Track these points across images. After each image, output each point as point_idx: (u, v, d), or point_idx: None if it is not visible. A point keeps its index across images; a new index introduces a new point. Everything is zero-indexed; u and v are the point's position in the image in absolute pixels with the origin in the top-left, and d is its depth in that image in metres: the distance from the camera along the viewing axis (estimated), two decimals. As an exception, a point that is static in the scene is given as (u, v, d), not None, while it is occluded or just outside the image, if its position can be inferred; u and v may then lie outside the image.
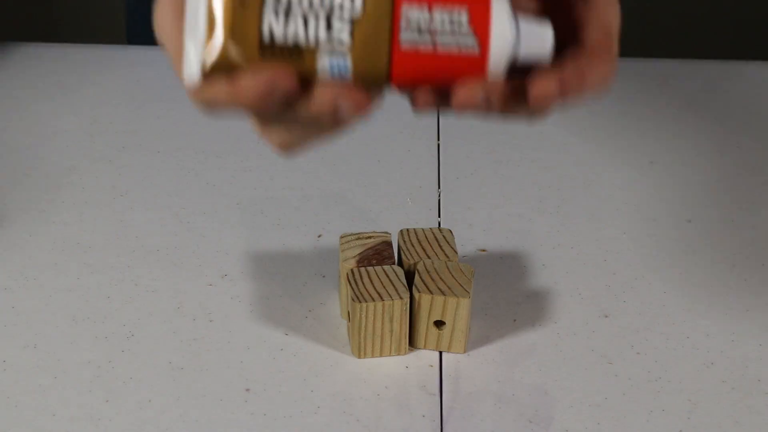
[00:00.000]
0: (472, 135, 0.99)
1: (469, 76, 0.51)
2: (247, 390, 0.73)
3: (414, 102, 0.52)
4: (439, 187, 0.92)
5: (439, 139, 0.98)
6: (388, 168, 0.93)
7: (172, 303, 0.80)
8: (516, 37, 0.51)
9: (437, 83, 0.51)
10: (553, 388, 0.74)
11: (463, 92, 0.51)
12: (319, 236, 0.87)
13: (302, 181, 0.93)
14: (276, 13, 0.49)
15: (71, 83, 1.05)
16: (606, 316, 0.80)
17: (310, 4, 0.50)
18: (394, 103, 1.01)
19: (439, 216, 0.89)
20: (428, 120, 1.00)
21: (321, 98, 0.50)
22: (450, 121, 0.99)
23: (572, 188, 0.93)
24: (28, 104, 1.02)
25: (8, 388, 0.73)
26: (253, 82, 0.49)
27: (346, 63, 0.50)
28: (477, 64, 0.51)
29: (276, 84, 0.49)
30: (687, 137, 1.00)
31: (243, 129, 1.00)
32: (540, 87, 0.51)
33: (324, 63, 0.50)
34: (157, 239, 0.86)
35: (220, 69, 0.49)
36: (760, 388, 0.74)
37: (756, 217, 0.90)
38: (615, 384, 0.74)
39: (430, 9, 0.50)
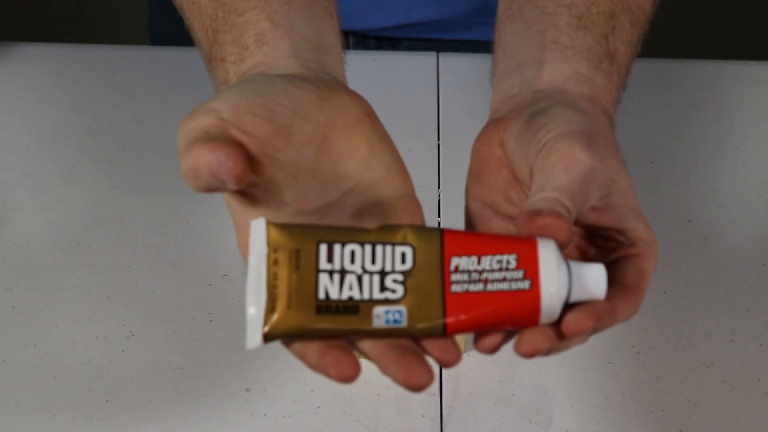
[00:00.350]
0: (472, 135, 0.99)
1: (523, 318, 0.52)
2: (247, 390, 0.73)
3: (477, 343, 0.54)
4: (439, 187, 0.92)
5: (439, 139, 0.98)
6: (388, 168, 0.93)
7: (172, 303, 0.80)
8: (567, 274, 0.53)
9: (492, 325, 0.53)
10: (553, 388, 0.74)
11: (526, 346, 0.52)
12: (319, 236, 0.87)
13: (302, 181, 0.93)
14: (330, 276, 0.52)
15: (71, 83, 1.05)
16: (606, 316, 0.80)
17: (363, 268, 0.52)
18: (393, 103, 1.01)
19: (439, 216, 0.89)
20: (428, 120, 1.00)
21: (384, 372, 0.53)
22: (450, 121, 0.99)
23: (572, 188, 0.93)
24: (28, 104, 1.02)
25: (8, 388, 0.73)
26: (316, 360, 0.52)
27: (402, 313, 0.52)
28: (529, 304, 0.52)
29: (335, 371, 0.52)
30: (687, 137, 1.00)
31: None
32: (576, 324, 0.52)
33: (379, 312, 0.52)
34: (157, 239, 0.86)
35: (281, 333, 0.52)
36: (760, 388, 0.74)
37: (756, 217, 0.90)
38: (615, 384, 0.74)
39: (478, 258, 0.53)
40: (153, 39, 1.22)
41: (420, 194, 0.92)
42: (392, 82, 1.05)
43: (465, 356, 0.76)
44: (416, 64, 1.07)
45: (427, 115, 1.00)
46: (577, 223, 0.57)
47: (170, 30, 1.16)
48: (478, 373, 0.75)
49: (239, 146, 0.52)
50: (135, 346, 0.76)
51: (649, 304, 0.81)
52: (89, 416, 0.71)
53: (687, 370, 0.75)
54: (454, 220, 0.89)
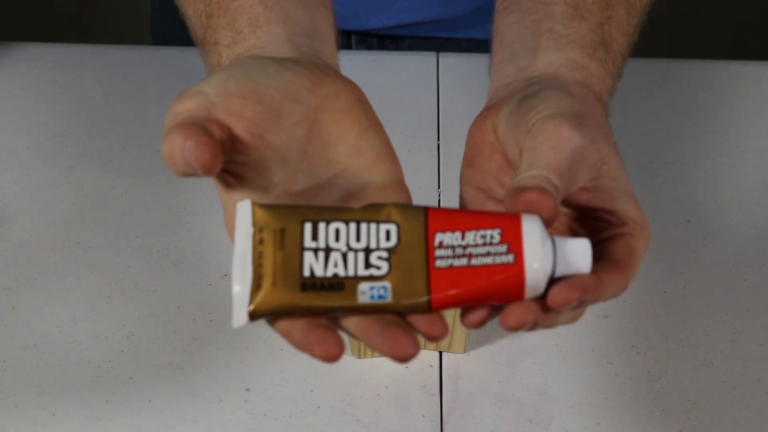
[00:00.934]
0: (472, 135, 0.99)
1: (508, 291, 0.52)
2: (247, 390, 0.73)
3: (463, 318, 0.54)
4: (439, 187, 0.92)
5: (439, 139, 0.98)
6: (388, 168, 0.93)
7: (172, 303, 0.80)
8: (552, 248, 0.53)
9: (478, 299, 0.53)
10: (553, 388, 0.74)
11: (512, 319, 0.53)
12: (319, 236, 0.87)
13: (302, 181, 0.93)
14: (315, 254, 0.53)
15: (71, 83, 1.05)
16: (606, 316, 0.80)
17: (348, 246, 0.53)
18: (393, 103, 1.01)
19: (439, 216, 0.89)
20: (428, 120, 1.00)
21: (370, 345, 0.53)
22: (450, 121, 0.99)
23: (572, 188, 0.93)
24: (28, 104, 1.02)
25: (8, 388, 0.73)
26: (301, 338, 0.52)
27: (386, 289, 0.53)
28: (514, 277, 0.52)
29: (319, 349, 0.52)
30: (687, 137, 1.00)
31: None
32: (562, 296, 0.52)
33: (364, 288, 0.52)
34: (157, 239, 0.86)
35: (266, 313, 0.52)
36: (760, 388, 0.74)
37: (756, 217, 0.90)
38: (615, 384, 0.74)
39: (462, 233, 0.53)
40: (155, 38, 1.22)
41: (420, 194, 0.91)
42: (392, 82, 1.05)
43: (465, 356, 0.76)
44: (416, 64, 1.07)
45: (427, 115, 1.00)
46: (567, 203, 0.57)
47: (172, 29, 1.16)
48: (478, 373, 0.75)
49: (212, 136, 0.52)
50: (135, 346, 0.76)
51: (649, 304, 0.81)
52: (89, 416, 0.71)
53: (687, 370, 0.75)
54: (454, 220, 0.89)
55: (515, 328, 0.52)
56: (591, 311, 0.80)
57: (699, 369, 0.75)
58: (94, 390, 0.73)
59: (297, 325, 0.52)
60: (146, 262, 0.84)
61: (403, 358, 0.51)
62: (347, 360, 0.75)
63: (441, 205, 0.90)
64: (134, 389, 0.73)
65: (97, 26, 2.35)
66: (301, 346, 0.52)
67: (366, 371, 0.75)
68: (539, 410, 0.72)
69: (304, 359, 0.76)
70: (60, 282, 0.82)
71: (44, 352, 0.76)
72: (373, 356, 0.75)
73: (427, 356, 0.76)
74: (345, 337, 0.77)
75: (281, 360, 0.75)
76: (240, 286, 0.52)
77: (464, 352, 0.76)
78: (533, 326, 0.53)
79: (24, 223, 0.88)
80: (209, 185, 0.94)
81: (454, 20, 1.09)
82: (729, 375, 0.75)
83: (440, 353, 0.76)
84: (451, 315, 0.74)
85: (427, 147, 0.97)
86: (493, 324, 0.78)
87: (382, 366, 0.75)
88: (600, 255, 0.55)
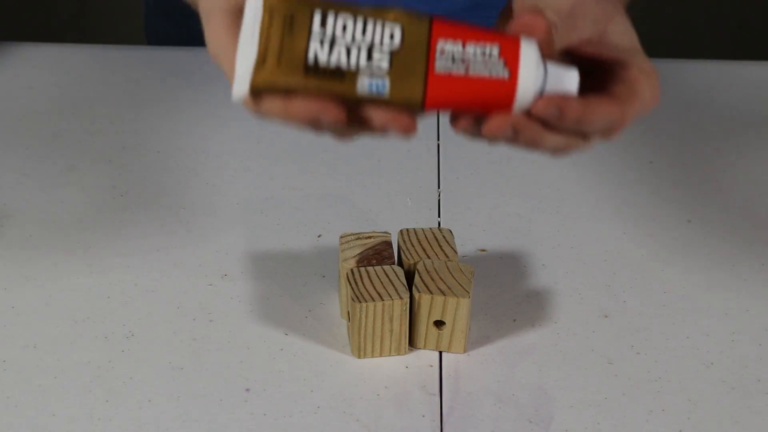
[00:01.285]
0: (472, 135, 0.99)
1: (498, 103, 0.56)
2: (247, 390, 0.73)
3: (453, 123, 0.58)
4: (439, 187, 0.92)
5: (439, 139, 0.98)
6: (388, 168, 0.93)
7: (172, 303, 0.80)
8: (544, 71, 0.56)
9: (469, 107, 0.56)
10: (553, 388, 0.74)
11: (493, 123, 0.56)
12: (319, 236, 0.87)
13: (302, 182, 0.93)
14: (321, 42, 0.56)
15: (71, 83, 1.05)
16: (606, 316, 0.80)
17: (353, 38, 0.56)
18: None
19: (439, 216, 0.89)
20: (428, 120, 1.00)
21: (371, 122, 0.56)
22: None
23: (572, 188, 0.93)
24: (29, 104, 1.02)
25: (8, 388, 0.73)
26: (304, 106, 0.55)
27: (384, 83, 0.56)
28: (506, 90, 0.56)
29: (324, 112, 0.55)
30: (687, 137, 1.00)
31: (243, 129, 0.99)
32: (543, 102, 0.56)
33: (363, 82, 0.55)
34: (157, 239, 0.86)
35: (267, 88, 0.55)
36: (760, 388, 0.74)
37: (756, 217, 0.90)
38: (615, 384, 0.74)
39: (463, 44, 0.57)
40: (148, 38, 1.22)
41: (420, 194, 0.92)
42: (392, 82, 1.05)
43: (465, 356, 0.76)
44: (416, 64, 1.07)
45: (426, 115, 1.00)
46: (573, 55, 0.60)
47: (166, 28, 1.16)
48: (478, 373, 0.75)
49: None
50: (135, 346, 0.76)
51: (650, 305, 0.81)
52: (89, 416, 0.71)
53: (687, 370, 0.75)
54: (453, 220, 0.89)
55: (496, 132, 0.56)
56: (591, 311, 0.80)
57: (699, 369, 0.75)
58: (94, 390, 0.73)
59: (297, 98, 0.55)
60: (146, 262, 0.84)
61: (405, 131, 0.55)
62: (347, 360, 0.75)
63: (441, 205, 0.91)
64: (134, 389, 0.73)
65: (97, 26, 2.35)
66: (303, 112, 0.55)
67: (366, 371, 0.75)
68: (539, 410, 0.72)
69: (304, 359, 0.76)
70: (60, 282, 0.82)
71: (44, 352, 0.76)
72: (373, 356, 0.75)
73: (427, 356, 0.76)
74: (345, 335, 0.77)
75: (281, 360, 0.75)
76: (245, 59, 0.55)
77: (464, 352, 0.76)
78: (515, 136, 0.56)
79: (24, 223, 0.88)
80: (208, 185, 0.95)
81: (451, 16, 1.09)
82: (729, 375, 0.75)
83: (440, 353, 0.76)
84: (451, 313, 0.74)
85: (427, 147, 0.97)
86: (493, 324, 0.78)
87: (382, 366, 0.75)
88: (597, 89, 0.58)
